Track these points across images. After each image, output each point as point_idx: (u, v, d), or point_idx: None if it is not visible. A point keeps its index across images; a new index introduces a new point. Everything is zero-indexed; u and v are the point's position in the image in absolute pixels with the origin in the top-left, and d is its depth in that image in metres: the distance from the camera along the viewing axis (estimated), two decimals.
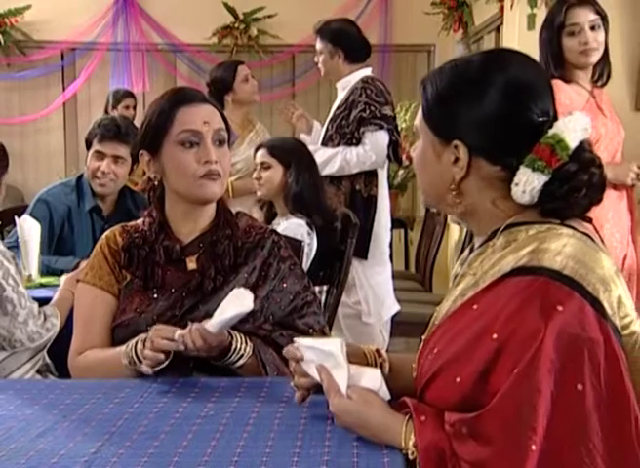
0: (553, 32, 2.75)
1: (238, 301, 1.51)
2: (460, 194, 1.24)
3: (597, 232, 1.24)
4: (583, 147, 1.19)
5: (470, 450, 1.08)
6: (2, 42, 5.96)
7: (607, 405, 1.05)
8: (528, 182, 1.16)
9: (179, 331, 1.50)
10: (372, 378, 1.27)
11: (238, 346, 1.58)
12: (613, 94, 2.99)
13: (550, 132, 1.17)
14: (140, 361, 1.53)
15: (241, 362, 1.58)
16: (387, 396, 1.25)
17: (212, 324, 1.49)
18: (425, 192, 1.32)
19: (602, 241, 1.23)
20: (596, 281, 1.10)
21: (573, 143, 1.17)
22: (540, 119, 1.18)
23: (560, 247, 1.13)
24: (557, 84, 2.63)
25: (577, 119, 1.19)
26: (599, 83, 2.82)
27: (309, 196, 2.81)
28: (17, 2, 5.95)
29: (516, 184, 1.17)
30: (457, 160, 1.21)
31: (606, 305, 1.09)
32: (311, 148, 3.47)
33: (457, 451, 1.09)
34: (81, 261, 2.57)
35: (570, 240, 1.14)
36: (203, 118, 1.68)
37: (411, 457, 1.13)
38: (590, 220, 1.24)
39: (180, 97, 1.71)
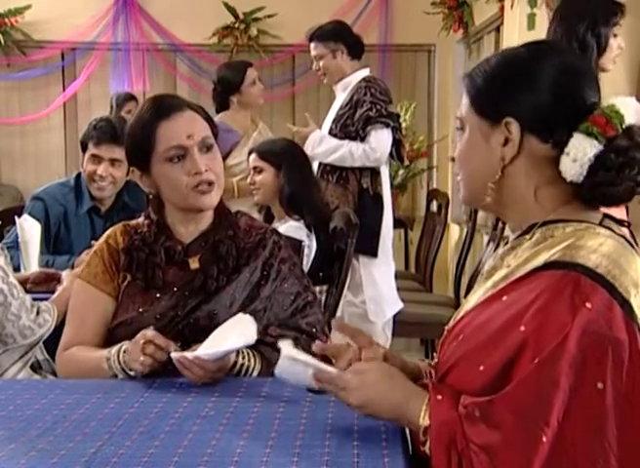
0: (608, 24, 2.54)
1: (240, 330, 1.49)
2: (507, 177, 1.21)
3: (633, 236, 1.24)
4: (635, 129, 1.18)
5: (480, 434, 1.08)
6: (2, 42, 5.96)
7: (627, 405, 1.04)
8: (580, 149, 1.14)
9: (174, 355, 1.48)
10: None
11: (246, 364, 1.58)
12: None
13: (605, 104, 1.18)
14: (124, 370, 1.54)
15: (254, 374, 1.59)
16: None
17: (210, 353, 1.46)
18: (468, 184, 1.29)
19: (637, 244, 1.23)
20: (628, 283, 1.10)
21: (628, 118, 1.17)
22: (593, 100, 1.19)
23: (596, 245, 1.12)
24: None
25: (630, 101, 1.19)
26: None
27: (303, 195, 2.82)
28: (17, 2, 5.95)
29: (567, 153, 1.15)
30: (507, 141, 1.20)
31: (635, 308, 1.09)
32: (318, 134, 3.49)
33: (466, 433, 1.10)
34: (76, 260, 2.58)
35: (607, 240, 1.14)
36: (186, 131, 1.66)
37: (422, 438, 1.13)
38: (629, 224, 1.23)
39: (158, 111, 1.69)
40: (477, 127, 1.24)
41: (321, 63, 3.58)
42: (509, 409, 1.07)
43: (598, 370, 1.05)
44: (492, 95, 1.22)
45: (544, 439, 1.03)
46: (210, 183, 1.68)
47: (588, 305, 1.06)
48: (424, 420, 1.14)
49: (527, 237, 1.22)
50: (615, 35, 2.59)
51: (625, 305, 1.08)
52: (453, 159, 1.32)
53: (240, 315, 1.57)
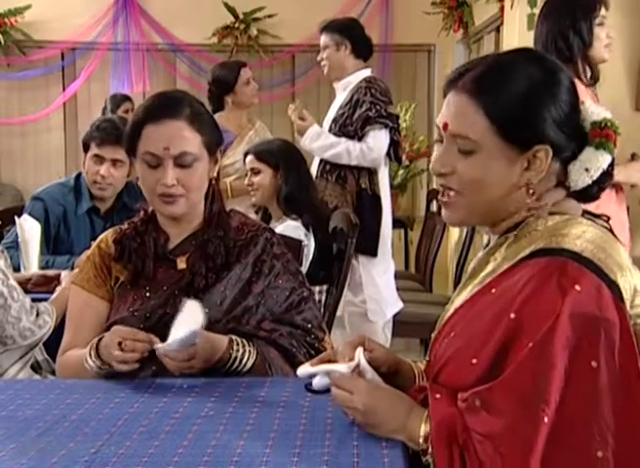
0: (587, 18, 2.53)
1: (191, 317, 1.50)
2: (516, 193, 1.22)
3: (612, 232, 1.26)
4: None
5: (483, 422, 1.09)
6: (2, 42, 5.96)
7: (621, 385, 1.06)
8: (597, 162, 1.21)
9: (155, 346, 1.51)
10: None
11: (240, 352, 1.59)
12: (613, 94, 2.98)
13: (601, 115, 1.23)
14: (100, 367, 1.55)
15: (249, 365, 1.59)
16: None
17: (168, 344, 1.48)
18: (478, 208, 1.25)
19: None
20: (613, 265, 1.13)
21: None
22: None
23: (580, 232, 1.16)
24: (579, 86, 2.54)
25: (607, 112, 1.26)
26: (594, 83, 2.72)
27: (300, 195, 2.84)
28: (17, 2, 5.95)
29: (586, 169, 1.21)
30: (529, 165, 1.20)
31: (622, 289, 1.11)
32: (316, 129, 3.49)
33: (469, 424, 1.11)
34: (76, 259, 2.58)
35: (589, 228, 1.18)
36: (165, 142, 1.65)
37: (424, 446, 1.13)
38: (608, 219, 1.26)
39: (150, 112, 1.69)
40: (500, 152, 1.20)
41: (324, 54, 3.59)
42: (509, 393, 1.08)
43: (591, 350, 1.06)
44: (525, 122, 1.19)
45: (546, 419, 1.05)
46: (175, 196, 1.68)
47: (577, 288, 1.08)
48: (425, 428, 1.14)
49: (513, 232, 1.24)
50: (600, 24, 2.58)
51: (613, 286, 1.10)
52: (440, 175, 1.24)
53: (188, 301, 1.56)
